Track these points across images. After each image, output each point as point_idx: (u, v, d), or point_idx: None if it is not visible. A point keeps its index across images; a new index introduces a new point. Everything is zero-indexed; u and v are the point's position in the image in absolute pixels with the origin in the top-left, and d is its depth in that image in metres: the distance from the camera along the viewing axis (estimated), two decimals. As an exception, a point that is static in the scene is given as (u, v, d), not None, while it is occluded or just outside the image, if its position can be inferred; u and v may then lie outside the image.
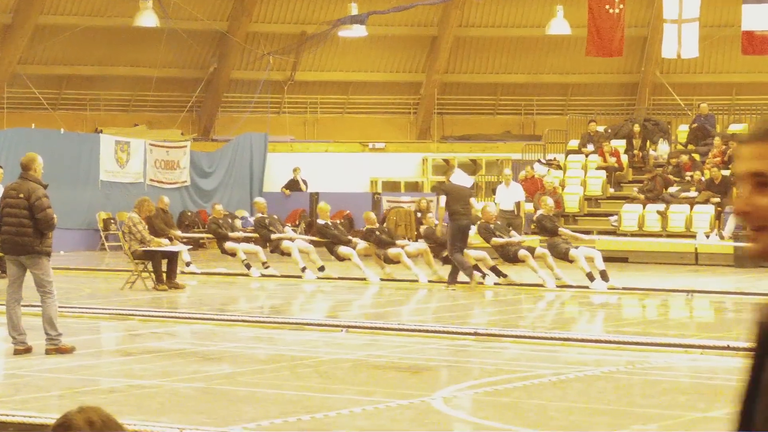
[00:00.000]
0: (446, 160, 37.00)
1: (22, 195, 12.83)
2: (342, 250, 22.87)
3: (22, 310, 13.03)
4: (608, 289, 20.55)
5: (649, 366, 12.39)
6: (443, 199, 21.10)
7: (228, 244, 23.86)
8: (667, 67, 37.02)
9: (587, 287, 20.59)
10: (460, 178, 21.76)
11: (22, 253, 12.82)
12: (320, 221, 23.58)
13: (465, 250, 21.46)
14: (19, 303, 12.98)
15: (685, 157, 30.75)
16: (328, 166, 35.77)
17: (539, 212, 22.31)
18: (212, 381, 11.21)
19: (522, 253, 21.20)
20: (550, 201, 22.59)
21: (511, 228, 22.94)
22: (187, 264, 23.62)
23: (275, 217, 24.95)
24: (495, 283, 21.15)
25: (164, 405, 10.04)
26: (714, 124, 32.88)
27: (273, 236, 23.74)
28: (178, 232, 23.63)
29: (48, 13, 35.26)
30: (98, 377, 11.74)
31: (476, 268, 21.49)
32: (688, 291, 20.29)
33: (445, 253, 22.37)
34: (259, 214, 24.43)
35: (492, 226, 21.89)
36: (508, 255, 21.62)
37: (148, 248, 20.73)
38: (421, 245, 22.83)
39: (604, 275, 20.82)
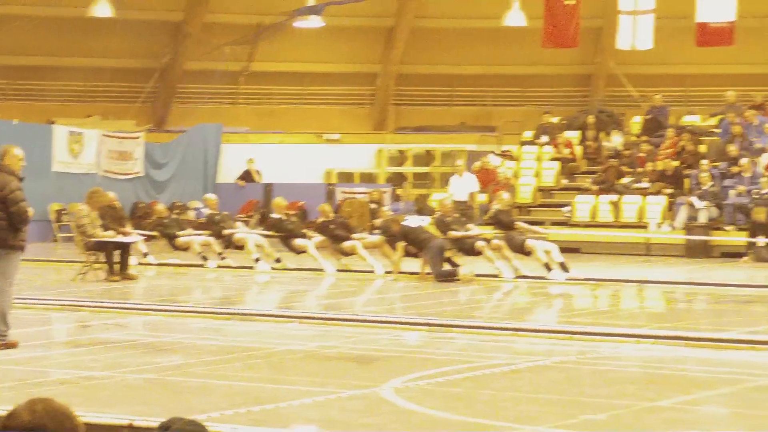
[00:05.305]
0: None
1: None
2: (298, 242, 22.87)
3: None
4: (567, 280, 20.61)
5: (599, 356, 12.47)
6: (400, 244, 21.22)
7: (180, 240, 23.77)
8: (622, 58, 37.20)
9: (544, 278, 20.67)
10: (414, 221, 21.72)
11: None
12: (275, 215, 23.60)
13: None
14: None
15: (644, 146, 30.90)
16: (283, 157, 35.70)
17: (495, 207, 22.34)
18: (163, 372, 11.17)
19: (479, 244, 21.20)
20: (506, 195, 22.69)
21: (466, 220, 22.97)
22: (144, 255, 23.55)
23: (226, 213, 24.90)
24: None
25: (114, 396, 10.00)
26: (667, 115, 33.09)
27: (225, 232, 23.70)
28: (129, 229, 23.39)
29: (0, 3, 34.95)
30: (48, 369, 11.67)
31: (449, 261, 21.31)
32: (639, 281, 20.44)
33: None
34: (210, 211, 24.38)
35: (448, 219, 21.92)
36: (465, 247, 21.63)
37: (100, 239, 20.58)
38: (377, 238, 22.80)
39: (563, 266, 20.90)
